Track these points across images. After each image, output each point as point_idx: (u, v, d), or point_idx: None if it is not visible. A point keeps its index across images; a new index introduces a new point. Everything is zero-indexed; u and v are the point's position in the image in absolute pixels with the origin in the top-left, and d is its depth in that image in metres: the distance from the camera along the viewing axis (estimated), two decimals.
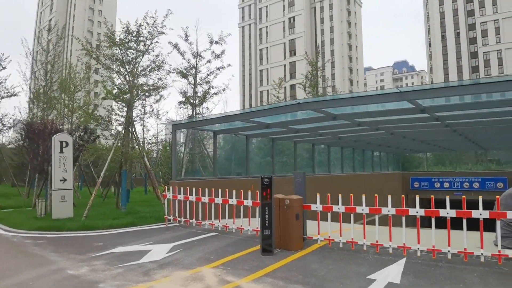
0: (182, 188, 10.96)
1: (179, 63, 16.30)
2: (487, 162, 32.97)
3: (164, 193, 11.54)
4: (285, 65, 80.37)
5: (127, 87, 13.42)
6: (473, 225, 6.99)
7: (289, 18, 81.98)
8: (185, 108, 16.04)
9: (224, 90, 16.44)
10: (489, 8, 67.92)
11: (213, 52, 16.21)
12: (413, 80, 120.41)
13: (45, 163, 14.22)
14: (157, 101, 14.66)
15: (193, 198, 10.69)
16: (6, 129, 23.87)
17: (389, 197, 7.39)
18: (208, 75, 16.11)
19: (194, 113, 15.60)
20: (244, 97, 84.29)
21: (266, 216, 7.95)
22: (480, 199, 6.72)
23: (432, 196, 7.60)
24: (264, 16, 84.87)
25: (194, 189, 10.70)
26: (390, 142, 22.08)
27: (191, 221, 10.95)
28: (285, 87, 71.84)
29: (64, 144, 12.46)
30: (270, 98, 53.94)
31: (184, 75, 15.54)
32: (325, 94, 24.63)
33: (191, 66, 15.60)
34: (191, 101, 15.38)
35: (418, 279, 5.87)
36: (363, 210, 7.73)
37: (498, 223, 6.65)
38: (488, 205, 6.83)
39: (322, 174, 19.44)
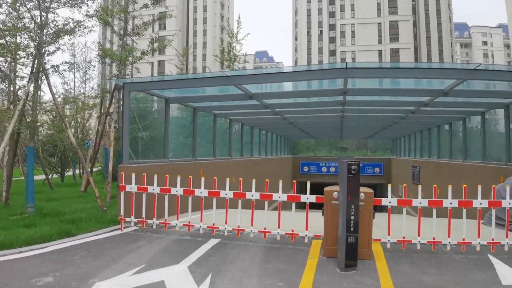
0: (156, 177, 7.38)
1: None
2: (367, 150, 35.98)
3: (121, 183, 7.64)
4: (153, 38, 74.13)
5: (38, 21, 8.56)
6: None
7: None
8: (109, 65, 11.65)
9: (167, 46, 12.56)
10: (348, 12, 75.90)
11: None
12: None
13: None
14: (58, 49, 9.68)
15: (179, 191, 7.25)
16: None
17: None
18: (145, 24, 11.99)
19: (122, 73, 11.31)
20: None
21: (352, 217, 5.50)
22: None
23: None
24: None
25: (179, 178, 7.29)
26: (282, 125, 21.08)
27: (172, 223, 7.48)
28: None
29: None
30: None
31: (106, 21, 11.05)
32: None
33: (122, 8, 11.20)
34: (116, 57, 11.06)
35: None
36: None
37: (493, 211, 6.39)
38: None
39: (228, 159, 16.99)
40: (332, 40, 77.96)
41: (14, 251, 6.28)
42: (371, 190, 6.20)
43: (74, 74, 18.04)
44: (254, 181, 6.88)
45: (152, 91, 9.07)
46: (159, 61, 69.05)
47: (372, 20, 74.02)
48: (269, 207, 7.13)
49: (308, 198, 6.65)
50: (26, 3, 8.92)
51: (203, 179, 7.12)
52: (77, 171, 21.54)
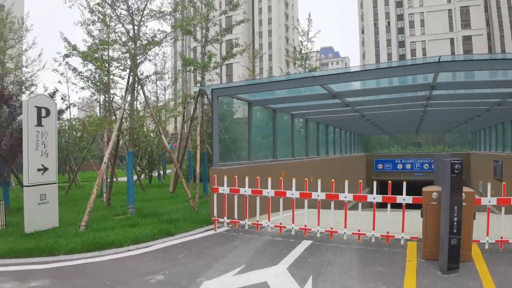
0: (247, 179, 7.61)
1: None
2: (444, 145, 34.09)
3: (214, 186, 7.99)
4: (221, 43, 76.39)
5: (130, 34, 9.28)
6: None
7: None
8: (192, 72, 12.27)
9: (244, 50, 12.97)
10: (416, 1, 71.97)
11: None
12: (338, 65, 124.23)
13: None
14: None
15: (270, 192, 7.42)
16: None
17: None
18: (225, 30, 12.45)
19: (204, 78, 11.88)
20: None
21: (455, 218, 5.28)
22: None
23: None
24: None
25: (270, 180, 7.45)
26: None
27: (264, 223, 7.67)
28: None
29: (43, 113, 8.03)
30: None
31: (189, 31, 11.60)
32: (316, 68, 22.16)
33: (203, 17, 11.72)
34: (198, 64, 11.61)
35: None
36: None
37: None
38: None
39: (306, 159, 16.74)
40: (400, 31, 74.26)
41: (123, 250, 6.82)
42: (472, 190, 5.92)
43: (156, 83, 19.24)
44: (346, 182, 6.82)
45: (237, 95, 9.36)
46: (226, 64, 70.84)
47: (442, 7, 69.24)
48: (339, 207, 7.09)
49: (405, 199, 6.48)
50: (120, 18, 9.63)
51: (293, 180, 7.21)
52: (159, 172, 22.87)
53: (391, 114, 16.00)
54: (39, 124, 7.93)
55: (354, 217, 7.14)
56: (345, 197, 6.86)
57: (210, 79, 12.83)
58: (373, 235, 6.72)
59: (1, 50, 14.70)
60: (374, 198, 6.67)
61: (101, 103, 14.70)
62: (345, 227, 6.86)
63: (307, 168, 14.07)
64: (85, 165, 22.53)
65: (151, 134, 18.92)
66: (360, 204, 6.99)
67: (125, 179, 18.82)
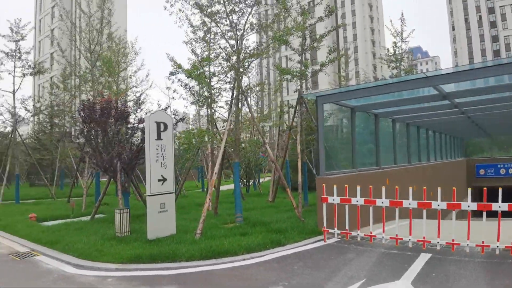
0: (358, 188, 7.39)
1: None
2: None
3: (323, 195, 7.90)
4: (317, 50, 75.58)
5: (234, 48, 9.73)
6: None
7: (309, 2, 76.65)
8: (291, 81, 12.43)
9: (342, 56, 12.83)
10: None
11: (328, 5, 12.52)
12: (428, 66, 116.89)
13: (114, 157, 10.50)
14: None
15: (384, 202, 7.11)
16: (32, 115, 20.50)
17: None
18: (321, 36, 12.47)
19: (302, 87, 11.90)
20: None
21: None
22: None
23: None
24: None
25: (384, 189, 7.15)
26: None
27: (378, 236, 7.39)
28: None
29: (162, 127, 8.67)
30: None
31: (284, 41, 11.71)
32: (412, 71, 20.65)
33: (300, 26, 11.80)
34: (295, 73, 11.70)
35: None
36: None
37: None
38: None
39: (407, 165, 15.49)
40: (492, 24, 68.16)
41: (238, 258, 6.98)
42: None
43: (255, 95, 19.77)
44: (469, 190, 6.30)
45: (341, 101, 9.17)
46: (312, 71, 69.82)
47: None
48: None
49: None
50: (223, 34, 10.09)
51: (410, 189, 6.83)
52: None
53: (498, 115, 14.56)
54: (159, 138, 8.57)
55: (477, 227, 6.58)
56: (468, 206, 6.34)
57: (307, 87, 12.79)
58: (497, 246, 6.12)
59: (115, 73, 16.38)
60: (499, 207, 6.07)
61: (206, 116, 15.54)
62: (468, 239, 6.32)
63: (410, 175, 13.29)
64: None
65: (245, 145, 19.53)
66: (484, 213, 6.43)
67: (223, 188, 19.58)
